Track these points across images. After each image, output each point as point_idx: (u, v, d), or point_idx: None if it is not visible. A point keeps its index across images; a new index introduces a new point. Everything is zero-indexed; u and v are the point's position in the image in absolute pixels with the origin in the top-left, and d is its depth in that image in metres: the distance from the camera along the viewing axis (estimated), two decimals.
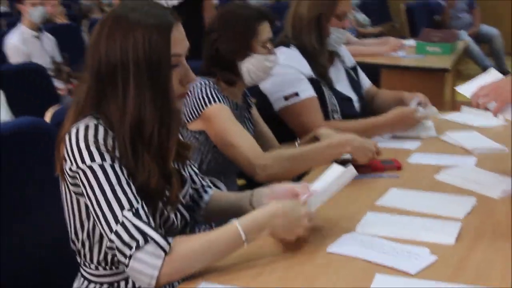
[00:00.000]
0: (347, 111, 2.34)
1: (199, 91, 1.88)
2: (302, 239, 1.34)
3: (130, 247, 1.16)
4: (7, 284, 1.43)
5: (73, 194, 1.28)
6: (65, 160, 1.24)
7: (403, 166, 1.91)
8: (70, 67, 4.34)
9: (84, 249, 1.32)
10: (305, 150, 1.87)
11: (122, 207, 1.19)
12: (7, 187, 1.42)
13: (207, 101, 1.87)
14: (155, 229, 1.19)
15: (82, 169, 1.21)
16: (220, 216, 1.63)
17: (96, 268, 1.33)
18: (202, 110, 1.86)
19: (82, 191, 1.23)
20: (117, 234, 1.17)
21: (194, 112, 1.88)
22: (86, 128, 1.22)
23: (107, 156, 1.22)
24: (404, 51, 4.30)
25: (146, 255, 1.16)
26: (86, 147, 1.21)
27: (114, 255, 1.22)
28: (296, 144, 2.02)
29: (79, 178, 1.23)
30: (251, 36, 1.93)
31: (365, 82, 2.61)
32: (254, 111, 2.20)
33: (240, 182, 2.35)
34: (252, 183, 2.29)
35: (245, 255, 1.28)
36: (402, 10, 6.58)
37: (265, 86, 2.28)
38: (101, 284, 1.34)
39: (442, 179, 1.78)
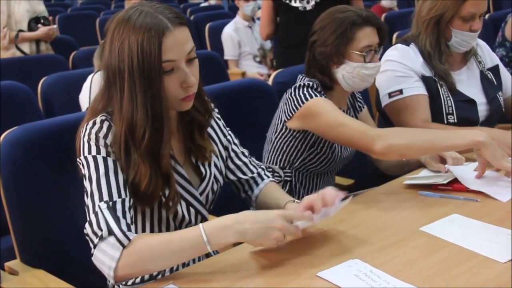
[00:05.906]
0: (465, 114, 2.13)
1: (297, 91, 1.86)
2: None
3: (96, 236, 1.25)
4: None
5: None
6: (76, 151, 1.38)
7: None
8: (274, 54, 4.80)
9: None
10: (429, 129, 1.85)
11: (101, 198, 1.27)
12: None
13: (303, 98, 1.83)
14: (126, 224, 1.26)
15: (81, 160, 1.34)
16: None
17: None
18: (299, 107, 1.83)
19: None
20: (90, 223, 1.27)
21: (292, 111, 1.86)
22: (93, 123, 1.35)
23: (102, 150, 1.32)
24: None
25: (107, 246, 1.24)
26: (87, 141, 1.33)
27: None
28: None
29: (81, 168, 1.36)
30: (346, 42, 1.84)
31: (508, 84, 2.33)
32: (362, 113, 2.13)
33: (347, 181, 2.32)
34: (361, 181, 2.26)
35: (226, 267, 1.30)
36: None
37: (377, 83, 2.21)
38: None
39: None
